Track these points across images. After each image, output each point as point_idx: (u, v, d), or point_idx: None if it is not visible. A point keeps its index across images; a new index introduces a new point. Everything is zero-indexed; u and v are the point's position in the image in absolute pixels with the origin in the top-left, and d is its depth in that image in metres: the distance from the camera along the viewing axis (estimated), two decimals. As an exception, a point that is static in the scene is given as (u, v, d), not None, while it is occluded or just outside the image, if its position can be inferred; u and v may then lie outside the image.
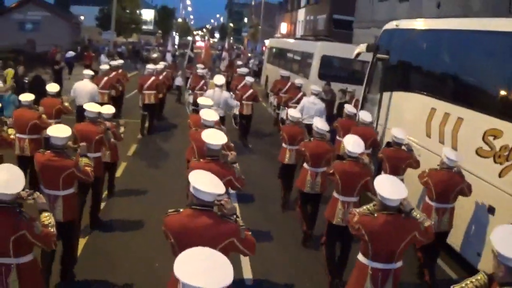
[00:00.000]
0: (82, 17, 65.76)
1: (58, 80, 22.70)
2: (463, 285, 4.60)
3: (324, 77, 21.03)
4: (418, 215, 5.93)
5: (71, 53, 33.91)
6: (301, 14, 64.81)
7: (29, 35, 46.04)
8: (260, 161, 16.16)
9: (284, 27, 71.76)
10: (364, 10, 37.74)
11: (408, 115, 11.94)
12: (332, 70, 22.86)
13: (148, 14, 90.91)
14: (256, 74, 40.20)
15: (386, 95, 13.03)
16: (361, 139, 8.66)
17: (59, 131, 7.36)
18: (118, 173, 12.67)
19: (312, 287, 8.54)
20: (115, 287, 7.94)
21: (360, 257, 6.03)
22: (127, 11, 54.51)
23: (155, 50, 50.45)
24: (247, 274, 8.57)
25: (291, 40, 34.15)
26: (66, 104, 13.09)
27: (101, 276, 8.14)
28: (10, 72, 18.60)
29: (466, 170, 8.82)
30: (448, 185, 8.50)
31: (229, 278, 3.09)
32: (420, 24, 13.01)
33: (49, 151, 7.36)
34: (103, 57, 30.76)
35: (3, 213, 5.09)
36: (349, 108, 13.62)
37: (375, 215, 5.81)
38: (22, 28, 51.10)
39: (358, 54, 15.60)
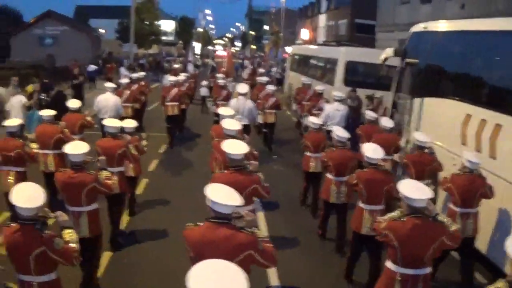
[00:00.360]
0: (102, 30, 66.43)
1: (78, 94, 22.94)
2: None
3: (349, 83, 20.33)
4: (444, 219, 5.93)
5: (92, 67, 34.19)
6: (322, 19, 64.77)
7: (48, 50, 46.15)
8: (284, 169, 16.18)
9: (305, 34, 71.32)
10: (385, 13, 37.36)
11: (441, 122, 11.45)
12: (357, 76, 22.25)
13: (168, 25, 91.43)
14: (279, 82, 40.32)
15: (417, 101, 12.61)
16: (384, 145, 8.73)
17: (76, 148, 7.52)
18: (140, 188, 12.73)
19: None
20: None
21: (389, 264, 6.01)
22: (146, 22, 54.32)
23: (176, 61, 50.72)
24: (274, 282, 8.57)
25: (314, 47, 33.43)
26: (89, 118, 13.11)
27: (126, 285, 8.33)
28: (31, 88, 18.81)
29: (505, 179, 8.60)
30: (471, 189, 8.41)
31: None
32: (451, 25, 12.56)
33: (68, 169, 7.51)
34: (122, 70, 30.68)
35: (23, 229, 5.19)
36: (370, 113, 13.62)
37: (404, 219, 5.79)
38: (42, 43, 51.34)
39: (386, 59, 15.08)
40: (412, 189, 5.84)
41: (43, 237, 5.16)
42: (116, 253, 9.49)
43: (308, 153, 11.90)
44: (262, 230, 10.19)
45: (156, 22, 55.04)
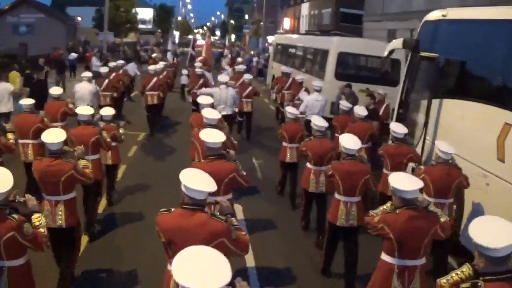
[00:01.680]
0: (79, 18, 66.00)
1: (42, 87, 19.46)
2: (449, 277, 4.77)
3: (342, 77, 19.34)
4: (435, 210, 6.13)
5: (73, 55, 33.99)
6: (305, 8, 64.27)
7: (23, 38, 45.48)
8: (263, 157, 16.41)
9: (287, 23, 71.17)
10: (374, 2, 36.40)
11: (469, 131, 9.65)
12: (350, 69, 21.14)
13: (146, 13, 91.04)
14: (261, 72, 40.28)
15: (435, 103, 10.78)
16: (359, 134, 8.87)
17: (53, 136, 7.44)
18: (119, 174, 12.81)
19: (315, 273, 8.76)
20: (118, 283, 8.23)
21: (384, 256, 6.11)
22: (122, 10, 53.11)
23: (153, 50, 50.56)
24: (250, 263, 8.83)
25: (300, 36, 32.05)
26: (70, 106, 13.22)
27: (104, 274, 8.46)
28: (14, 75, 18.87)
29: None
30: (446, 180, 8.50)
31: (227, 278, 3.12)
32: (481, 13, 10.41)
33: (46, 157, 7.51)
34: (94, 60, 29.94)
35: None
36: (344, 103, 13.87)
37: (398, 211, 5.90)
38: (16, 31, 50.04)
39: (391, 52, 13.51)
40: (403, 181, 5.93)
41: (12, 222, 5.17)
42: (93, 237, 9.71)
43: (284, 143, 12.04)
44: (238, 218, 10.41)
45: (132, 10, 54.08)
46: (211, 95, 14.29)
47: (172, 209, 5.06)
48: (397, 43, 13.27)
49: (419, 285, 6.02)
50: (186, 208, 4.95)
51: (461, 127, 9.89)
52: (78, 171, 7.49)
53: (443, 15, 11.31)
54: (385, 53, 13.65)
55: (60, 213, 7.36)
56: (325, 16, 54.03)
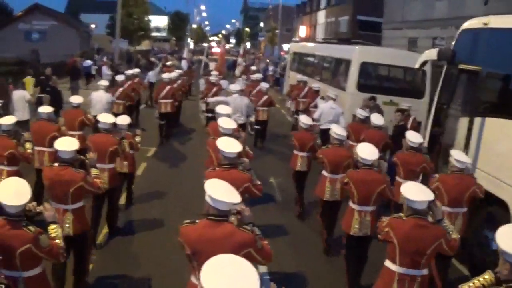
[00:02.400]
0: (93, 26, 66.31)
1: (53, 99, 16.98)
2: (470, 283, 4.77)
3: (365, 88, 18.24)
4: (447, 225, 6.11)
5: (88, 62, 34.12)
6: (321, 16, 64.32)
7: (35, 45, 44.62)
8: (277, 166, 16.51)
9: (303, 31, 71.13)
10: (394, 10, 35.57)
11: None
12: (373, 80, 20.01)
13: (161, 21, 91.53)
14: (277, 82, 39.61)
15: (477, 121, 9.86)
16: (374, 143, 8.85)
17: (65, 144, 7.41)
18: (138, 173, 13.03)
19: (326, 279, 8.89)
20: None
21: (387, 263, 6.18)
22: (134, 17, 52.00)
23: (167, 58, 50.52)
24: (262, 269, 8.70)
25: (319, 44, 30.55)
26: (89, 116, 13.41)
27: (121, 279, 8.61)
28: (29, 80, 19.03)
29: None
30: (461, 189, 8.49)
31: (255, 287, 3.16)
32: None
33: (57, 165, 7.44)
34: (105, 69, 29.25)
35: (9, 226, 5.23)
36: (360, 112, 13.96)
37: (404, 218, 6.00)
38: (29, 38, 50.23)
39: (424, 63, 12.32)
40: (413, 191, 6.00)
41: (29, 234, 5.22)
42: (110, 242, 9.94)
43: (295, 151, 12.13)
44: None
45: (146, 17, 53.09)
46: (226, 103, 14.47)
47: (197, 221, 5.08)
48: (430, 54, 11.89)
49: None
50: (212, 220, 4.98)
51: (507, 149, 9.06)
52: (88, 182, 7.43)
53: (485, 24, 10.34)
54: (417, 65, 12.29)
55: (68, 221, 7.36)
56: (342, 24, 53.92)
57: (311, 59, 27.95)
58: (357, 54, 19.29)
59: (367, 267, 8.46)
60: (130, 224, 11.06)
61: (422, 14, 30.69)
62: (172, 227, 9.48)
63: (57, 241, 5.53)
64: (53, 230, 5.61)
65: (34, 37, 50.57)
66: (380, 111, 15.02)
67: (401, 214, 6.17)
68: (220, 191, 4.98)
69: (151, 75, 27.12)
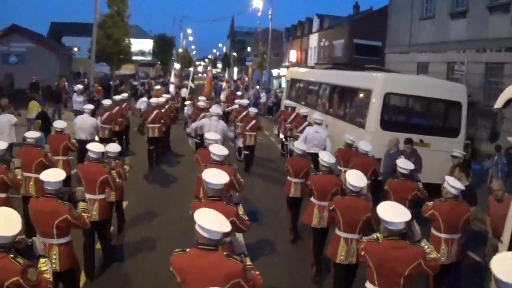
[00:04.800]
0: (75, 49, 66.21)
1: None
2: None
3: (389, 126, 15.85)
4: (425, 246, 6.31)
5: (80, 86, 33.98)
6: (314, 39, 63.64)
7: (12, 68, 45.16)
8: (265, 193, 16.73)
9: (293, 55, 70.77)
10: (399, 32, 33.40)
11: None
12: (400, 115, 17.48)
13: (146, 45, 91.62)
14: (270, 110, 38.99)
15: None
16: (362, 169, 9.10)
17: (51, 175, 7.33)
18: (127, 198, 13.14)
19: None
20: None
21: (368, 284, 6.37)
22: (111, 40, 49.07)
23: (150, 84, 50.31)
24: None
25: (327, 71, 26.11)
26: (73, 141, 13.70)
27: None
28: (33, 104, 19.52)
29: None
30: (455, 215, 8.73)
31: None
32: None
33: (42, 197, 7.39)
34: (75, 96, 27.14)
35: None
36: (348, 136, 14.14)
37: (380, 241, 6.21)
38: (6, 60, 49.63)
39: (510, 102, 8.79)
40: (390, 212, 6.15)
41: (17, 267, 5.11)
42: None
43: (289, 178, 12.36)
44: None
45: (126, 39, 50.74)
46: (201, 127, 14.84)
47: (187, 250, 5.19)
48: None
49: None
50: (201, 249, 5.09)
51: None
52: (73, 215, 7.33)
53: None
54: (499, 104, 8.92)
55: (54, 256, 7.25)
56: (337, 47, 53.17)
57: (314, 87, 24.95)
58: (380, 83, 16.49)
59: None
60: (121, 251, 11.21)
61: (435, 36, 28.72)
62: (164, 254, 9.50)
63: (46, 275, 5.47)
64: (43, 264, 5.59)
65: (12, 60, 50.06)
66: (418, 158, 13.53)
67: (377, 235, 6.37)
68: (210, 221, 5.08)
69: (141, 103, 27.11)
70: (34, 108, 19.65)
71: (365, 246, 6.32)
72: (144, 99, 28.26)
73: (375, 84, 16.53)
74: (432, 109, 17.51)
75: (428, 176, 12.94)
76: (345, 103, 19.85)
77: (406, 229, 6.30)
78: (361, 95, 17.78)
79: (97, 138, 17.52)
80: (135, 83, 51.65)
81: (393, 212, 6.19)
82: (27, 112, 20.97)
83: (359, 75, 19.34)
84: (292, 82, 29.85)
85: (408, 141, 13.75)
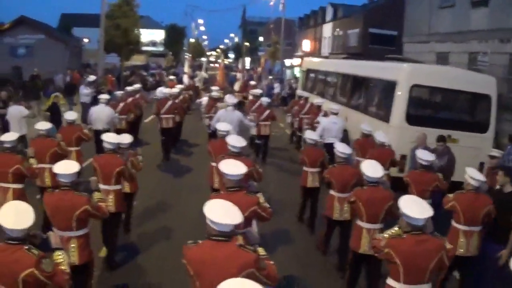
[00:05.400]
0: (86, 40, 66.07)
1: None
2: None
3: (416, 121, 14.99)
4: (442, 236, 6.32)
5: (92, 77, 33.83)
6: (327, 29, 63.08)
7: (21, 60, 44.86)
8: (278, 183, 16.85)
9: (306, 45, 69.75)
10: (418, 21, 32.21)
11: None
12: (427, 109, 16.55)
13: (158, 35, 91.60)
14: (285, 101, 38.08)
15: None
16: (380, 160, 9.04)
17: (65, 167, 7.30)
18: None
19: None
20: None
21: (390, 281, 6.29)
22: (120, 31, 47.61)
23: (161, 75, 50.18)
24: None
25: (347, 61, 25.83)
26: (85, 131, 13.78)
27: None
28: (53, 97, 19.56)
29: None
30: (477, 207, 8.66)
31: None
32: None
33: (58, 190, 7.31)
34: (82, 88, 26.72)
35: (10, 250, 5.16)
36: (364, 127, 14.15)
37: (404, 236, 6.12)
38: (14, 53, 48.93)
39: None
40: (413, 207, 6.10)
41: (31, 258, 5.12)
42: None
43: (305, 168, 12.36)
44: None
45: (136, 29, 49.39)
46: (217, 119, 14.82)
47: (200, 241, 5.19)
48: None
49: None
50: (214, 240, 5.09)
51: None
52: (93, 206, 7.32)
53: None
54: None
55: (73, 249, 7.23)
56: (352, 37, 52.43)
57: (333, 78, 24.28)
58: (407, 74, 15.65)
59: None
60: (133, 242, 11.28)
61: (455, 26, 27.76)
62: (177, 245, 9.45)
63: (62, 267, 5.43)
64: (59, 256, 5.56)
65: (20, 52, 49.54)
66: (451, 157, 12.69)
67: (396, 230, 6.33)
68: (219, 213, 5.09)
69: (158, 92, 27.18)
70: (60, 101, 19.78)
71: (389, 242, 6.21)
72: (161, 88, 28.14)
73: (401, 75, 15.69)
74: (460, 103, 16.56)
75: (455, 174, 12.39)
76: (367, 96, 18.97)
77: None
78: (385, 87, 16.87)
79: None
80: (145, 73, 51.24)
81: (416, 208, 6.12)
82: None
83: (382, 65, 18.68)
84: (308, 72, 29.18)
85: (441, 138, 12.90)
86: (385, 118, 15.72)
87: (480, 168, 13.70)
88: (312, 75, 28.31)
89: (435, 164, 10.98)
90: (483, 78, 16.09)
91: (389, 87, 16.00)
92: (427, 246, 6.06)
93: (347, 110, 19.10)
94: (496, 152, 12.15)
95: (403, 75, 15.59)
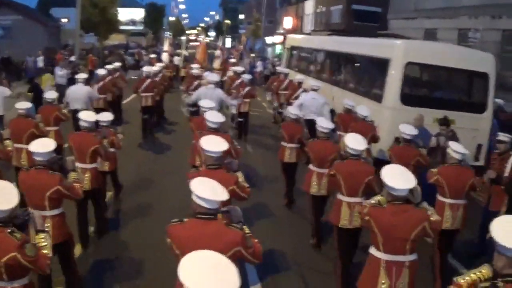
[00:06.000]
0: (65, 20, 65.35)
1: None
2: (467, 276, 4.83)
3: (411, 101, 14.19)
4: (427, 207, 6.29)
5: (73, 58, 32.74)
6: (309, 6, 61.86)
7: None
8: (261, 160, 17.00)
9: (288, 22, 68.11)
10: None
11: None
12: (422, 88, 15.63)
13: (137, 14, 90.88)
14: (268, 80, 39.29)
15: None
16: (361, 134, 8.98)
17: (40, 145, 7.21)
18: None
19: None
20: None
21: (372, 250, 6.31)
22: (97, 9, 47.43)
23: (140, 54, 49.81)
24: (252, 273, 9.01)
25: (335, 37, 24.02)
26: (64, 111, 13.70)
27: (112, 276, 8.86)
28: (46, 77, 19.68)
29: None
30: (460, 180, 8.74)
31: (235, 284, 3.26)
32: None
33: (33, 168, 7.24)
34: (57, 70, 25.76)
35: None
36: (347, 102, 14.29)
37: (384, 206, 6.14)
38: None
39: None
40: (395, 177, 6.07)
41: (14, 242, 5.00)
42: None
43: (283, 143, 12.41)
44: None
45: (112, 7, 48.74)
46: (197, 96, 14.76)
47: (185, 219, 5.08)
48: None
49: (407, 281, 6.20)
50: (199, 218, 5.00)
51: None
52: (65, 186, 7.23)
53: None
54: None
55: (47, 229, 6.85)
56: (335, 14, 51.01)
57: (319, 56, 23.36)
58: (401, 51, 14.74)
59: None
60: (116, 220, 11.34)
61: (444, 2, 27.03)
62: (160, 223, 9.18)
63: (44, 251, 5.31)
64: (42, 239, 5.41)
65: None
66: (454, 137, 11.91)
67: (379, 199, 6.35)
68: (206, 190, 4.99)
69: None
70: (48, 81, 19.57)
71: (369, 211, 6.24)
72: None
73: (394, 52, 14.77)
74: (456, 81, 15.67)
75: None
76: (358, 74, 18.12)
77: (409, 193, 6.22)
78: (377, 65, 15.89)
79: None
80: (123, 53, 50.56)
81: (398, 178, 6.11)
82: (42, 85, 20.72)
83: (374, 42, 17.67)
84: (292, 50, 28.39)
85: (444, 122, 11.95)
86: (378, 98, 14.94)
87: (478, 150, 13.64)
88: (296, 52, 27.52)
89: (418, 141, 10.96)
90: (480, 56, 15.32)
91: (382, 65, 15.16)
92: (407, 217, 6.06)
93: (334, 89, 18.40)
94: (504, 136, 10.96)
95: (397, 52, 14.76)
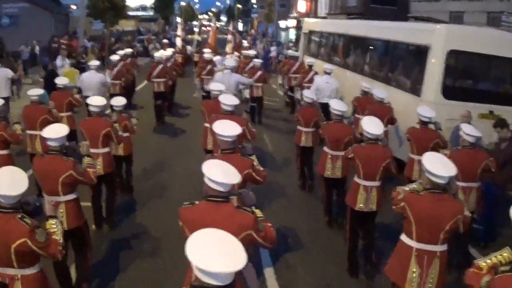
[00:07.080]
0: (74, 7, 65.30)
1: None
2: (488, 259, 4.83)
3: (454, 94, 12.68)
4: (462, 201, 6.20)
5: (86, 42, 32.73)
6: None
7: (5, 31, 42.96)
8: (273, 143, 17.13)
9: (302, 5, 67.08)
10: None
11: None
12: (467, 80, 13.73)
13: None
14: None
15: None
16: (378, 117, 8.94)
17: (53, 131, 7.22)
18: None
19: (336, 271, 8.93)
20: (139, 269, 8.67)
21: (404, 237, 6.22)
22: None
23: (150, 41, 49.60)
24: (266, 258, 9.08)
25: (364, 22, 21.31)
26: (76, 96, 13.70)
27: (124, 263, 8.89)
28: (72, 72, 20.14)
29: None
30: (473, 163, 8.68)
31: (242, 262, 3.29)
32: None
33: (47, 154, 7.28)
34: (58, 60, 25.24)
35: (3, 219, 5.04)
36: (364, 84, 14.32)
37: (421, 193, 6.01)
38: None
39: None
40: (437, 165, 5.93)
41: (25, 228, 5.01)
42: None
43: (299, 127, 12.42)
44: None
45: None
46: (215, 81, 14.79)
47: (196, 202, 5.10)
48: None
49: (437, 271, 6.11)
50: (211, 201, 4.98)
51: None
52: (78, 171, 7.20)
53: None
54: None
55: (61, 215, 7.15)
56: None
57: (343, 42, 21.27)
58: (443, 37, 12.98)
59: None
60: (130, 203, 11.50)
61: None
62: (173, 206, 9.03)
63: (55, 237, 5.30)
64: (52, 225, 5.41)
65: (4, 22, 47.59)
66: None
67: (415, 186, 6.23)
68: (218, 172, 4.94)
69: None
70: (72, 75, 19.80)
71: (406, 197, 6.11)
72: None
73: (435, 38, 13.04)
74: (503, 72, 13.80)
75: None
76: (390, 63, 16.08)
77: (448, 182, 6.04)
78: (414, 52, 14.44)
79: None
80: (129, 39, 49.99)
81: (440, 165, 5.97)
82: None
83: (409, 26, 16.08)
84: (310, 35, 26.19)
85: (501, 123, 10.16)
86: (415, 91, 13.31)
87: None
88: (316, 38, 25.25)
89: (437, 125, 10.70)
90: None
91: (419, 53, 13.61)
92: (444, 207, 5.94)
93: (362, 78, 16.44)
94: None
95: (437, 38, 13.00)
